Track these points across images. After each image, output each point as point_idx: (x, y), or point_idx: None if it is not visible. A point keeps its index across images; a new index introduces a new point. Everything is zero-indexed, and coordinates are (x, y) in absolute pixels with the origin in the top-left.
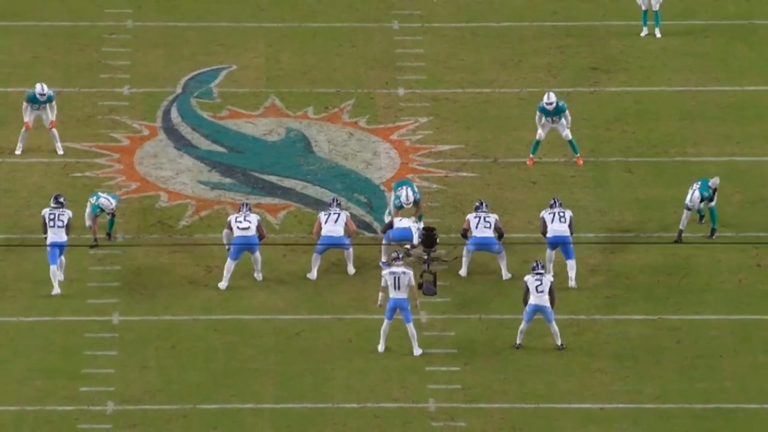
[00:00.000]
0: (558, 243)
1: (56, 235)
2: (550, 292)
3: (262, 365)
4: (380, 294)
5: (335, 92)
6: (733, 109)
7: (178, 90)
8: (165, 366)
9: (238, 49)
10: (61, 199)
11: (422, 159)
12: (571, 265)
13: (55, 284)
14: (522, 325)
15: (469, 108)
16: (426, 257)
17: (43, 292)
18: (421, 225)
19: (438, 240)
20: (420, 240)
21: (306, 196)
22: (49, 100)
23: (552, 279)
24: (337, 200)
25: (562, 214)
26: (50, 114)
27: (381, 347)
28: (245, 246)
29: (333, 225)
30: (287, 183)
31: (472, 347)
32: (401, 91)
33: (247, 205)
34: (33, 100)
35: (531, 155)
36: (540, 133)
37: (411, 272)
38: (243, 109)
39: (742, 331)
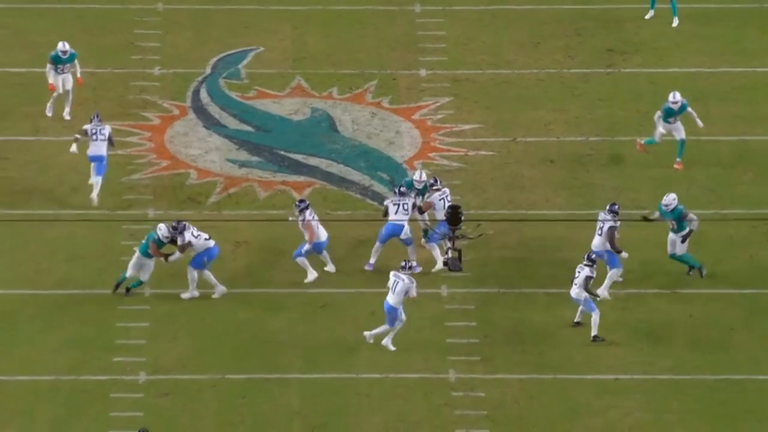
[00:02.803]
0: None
1: (98, 148)
2: (584, 286)
3: (288, 337)
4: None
5: (359, 73)
6: (744, 90)
7: (207, 71)
8: (195, 337)
9: (265, 31)
10: (99, 116)
11: (443, 138)
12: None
13: (96, 190)
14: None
15: (488, 88)
16: (451, 235)
17: (77, 266)
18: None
19: (463, 218)
20: (446, 218)
21: (330, 174)
22: (72, 58)
23: (587, 272)
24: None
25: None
26: (76, 73)
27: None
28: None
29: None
30: (312, 161)
31: (491, 320)
32: (423, 72)
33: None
34: (57, 60)
35: (641, 142)
36: (660, 132)
37: (413, 284)
38: (270, 89)
39: (752, 305)
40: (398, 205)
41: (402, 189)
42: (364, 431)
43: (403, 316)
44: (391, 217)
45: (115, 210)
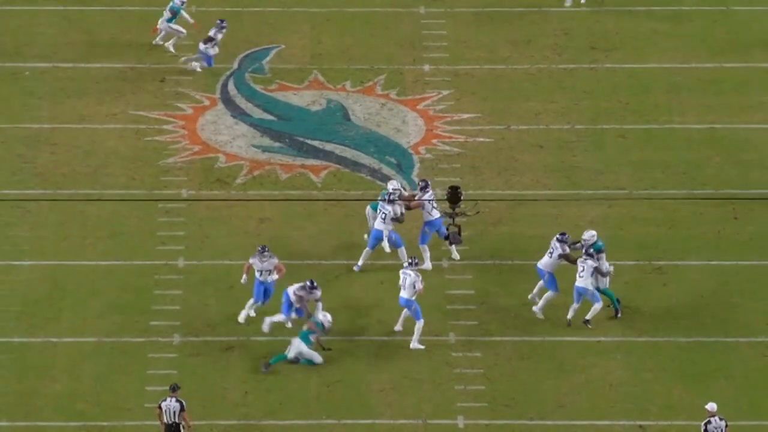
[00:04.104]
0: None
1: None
2: (592, 274)
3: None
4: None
5: (369, 68)
6: (713, 83)
7: (235, 66)
8: (223, 304)
9: (287, 31)
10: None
11: (444, 126)
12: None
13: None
14: (574, 305)
15: (485, 82)
16: (452, 212)
17: (118, 240)
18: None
19: (462, 197)
20: (446, 196)
21: (344, 158)
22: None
23: (594, 263)
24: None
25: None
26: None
27: (398, 327)
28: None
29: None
30: (328, 147)
31: (487, 289)
32: (427, 68)
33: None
34: (175, 10)
35: None
36: None
37: (419, 278)
38: (290, 82)
39: (720, 276)
40: (381, 210)
41: (391, 197)
42: (373, 387)
43: (420, 316)
44: (376, 224)
45: (152, 190)
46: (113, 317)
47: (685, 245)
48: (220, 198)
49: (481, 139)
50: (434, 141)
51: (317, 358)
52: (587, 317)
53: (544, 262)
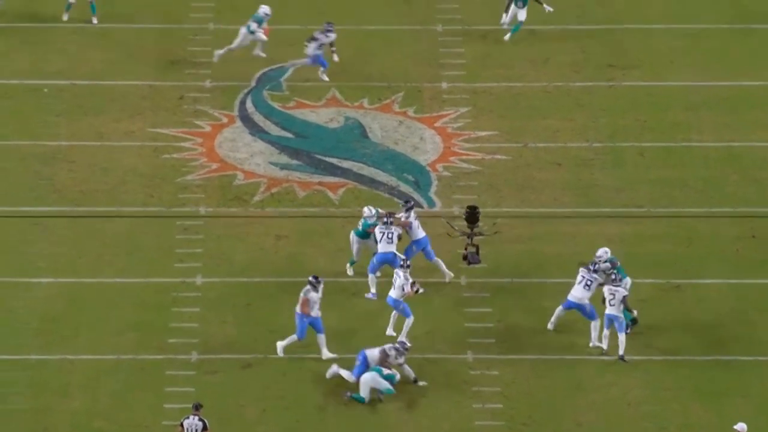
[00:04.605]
0: (574, 306)
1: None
2: (623, 303)
3: (324, 321)
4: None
5: (387, 86)
6: (731, 101)
7: (253, 84)
8: (241, 321)
9: (304, 48)
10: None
11: (462, 143)
12: (595, 325)
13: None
14: (604, 331)
15: (503, 99)
16: (470, 232)
17: (136, 257)
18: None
19: (480, 217)
20: (464, 216)
21: (362, 176)
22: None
23: (625, 293)
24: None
25: (590, 282)
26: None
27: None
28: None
29: (386, 244)
30: (345, 164)
31: (505, 306)
32: (444, 85)
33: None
34: (258, 20)
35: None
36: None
37: (407, 282)
38: (308, 100)
39: (738, 294)
40: (384, 233)
41: (390, 219)
42: (390, 405)
43: (410, 313)
44: (379, 246)
45: (170, 207)
46: (131, 334)
47: (703, 263)
48: (237, 215)
49: (499, 157)
50: (452, 158)
51: (389, 385)
52: (622, 353)
53: (581, 295)
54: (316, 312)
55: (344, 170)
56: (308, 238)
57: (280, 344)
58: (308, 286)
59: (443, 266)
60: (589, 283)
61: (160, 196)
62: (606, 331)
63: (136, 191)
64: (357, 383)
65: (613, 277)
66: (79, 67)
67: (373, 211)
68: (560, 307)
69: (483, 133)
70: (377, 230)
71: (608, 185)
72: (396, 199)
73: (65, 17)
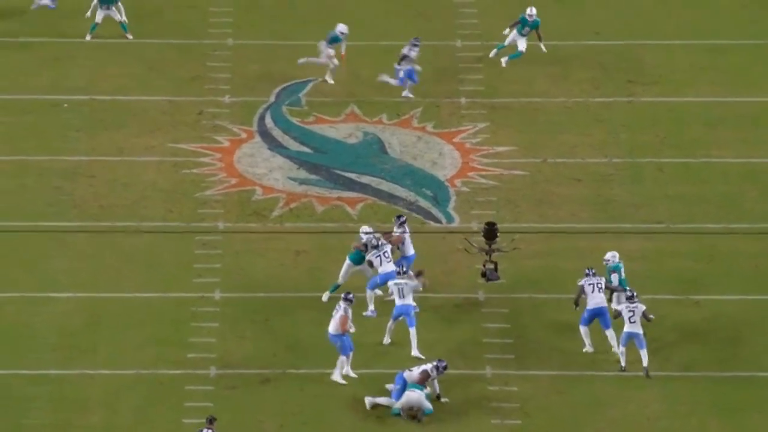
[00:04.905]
0: (597, 313)
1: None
2: (645, 316)
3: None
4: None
5: (406, 101)
6: (750, 117)
7: (272, 99)
8: (259, 336)
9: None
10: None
11: (480, 159)
12: (612, 335)
13: None
14: (621, 349)
15: (521, 115)
16: (488, 248)
17: (155, 272)
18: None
19: (498, 233)
20: (482, 233)
21: (380, 191)
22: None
23: (644, 307)
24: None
25: (600, 285)
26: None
27: (386, 340)
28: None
29: (331, 321)
30: (364, 179)
31: (524, 322)
32: (463, 100)
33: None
34: (335, 40)
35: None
36: (510, 39)
37: (413, 282)
38: (327, 115)
39: (757, 309)
40: (380, 256)
41: (380, 242)
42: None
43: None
44: (380, 269)
45: (189, 222)
46: (150, 349)
47: (722, 279)
48: (256, 230)
49: (518, 172)
50: (470, 174)
51: (430, 405)
52: (645, 363)
53: (600, 299)
54: (352, 328)
55: (363, 185)
56: (327, 254)
57: (337, 377)
58: (345, 304)
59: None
60: (599, 286)
61: (180, 211)
62: (622, 348)
63: (156, 206)
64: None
65: (629, 294)
66: (99, 82)
67: (370, 229)
68: (584, 328)
69: (502, 149)
70: (371, 255)
71: (627, 201)
72: (414, 214)
73: (88, 37)
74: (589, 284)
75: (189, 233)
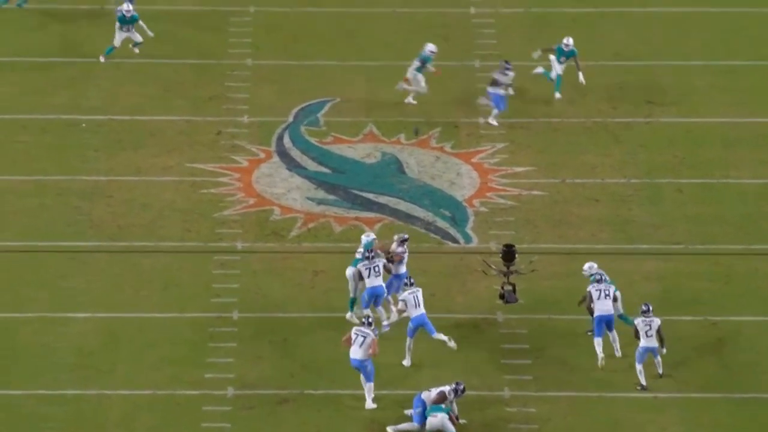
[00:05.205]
0: (605, 320)
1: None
2: (658, 332)
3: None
4: (394, 313)
5: (424, 121)
6: None
7: (290, 119)
8: (277, 357)
9: (342, 83)
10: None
11: (499, 179)
12: (614, 337)
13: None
14: (638, 366)
15: (540, 135)
16: (506, 270)
17: (173, 292)
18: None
19: (517, 255)
20: (501, 255)
21: (398, 211)
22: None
23: (660, 321)
24: (369, 319)
25: (607, 292)
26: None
27: (407, 362)
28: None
29: (357, 348)
30: (382, 199)
31: (542, 343)
32: (481, 120)
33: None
34: (426, 60)
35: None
36: (556, 69)
37: (421, 290)
38: (345, 135)
39: None
40: (370, 269)
41: (372, 253)
42: None
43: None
44: (367, 282)
45: (207, 242)
46: (167, 369)
47: (740, 300)
48: (274, 250)
49: (536, 193)
50: (489, 194)
51: (453, 428)
52: (660, 371)
53: (609, 306)
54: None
55: (381, 206)
56: (344, 274)
57: (371, 404)
58: (369, 329)
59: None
60: (607, 293)
61: (198, 231)
62: (640, 366)
63: (174, 226)
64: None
65: (644, 309)
66: (117, 102)
67: (372, 236)
68: (597, 339)
69: (520, 169)
70: (362, 266)
71: (646, 221)
72: (432, 235)
73: (102, 59)
74: (597, 290)
75: (207, 253)
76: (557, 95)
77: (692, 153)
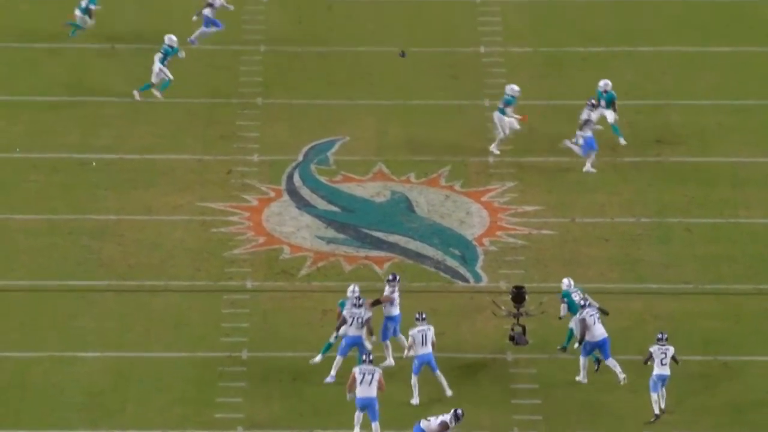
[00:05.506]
0: (598, 346)
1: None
2: (673, 358)
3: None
4: (407, 351)
5: (434, 160)
6: None
7: (300, 158)
8: (287, 396)
9: (352, 123)
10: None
11: (509, 218)
12: (614, 363)
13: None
14: (653, 396)
15: (550, 174)
16: (516, 312)
17: (183, 332)
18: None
19: (527, 297)
20: (510, 296)
21: (408, 250)
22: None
23: (674, 349)
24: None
25: (598, 315)
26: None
27: (415, 401)
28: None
29: (367, 386)
30: (392, 238)
31: (552, 383)
32: (491, 159)
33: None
34: (510, 102)
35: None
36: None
37: (432, 328)
38: (355, 174)
39: None
40: (354, 317)
41: (360, 301)
42: None
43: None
44: (349, 329)
45: (217, 281)
46: (177, 409)
47: (751, 340)
48: (284, 289)
49: (546, 232)
50: (498, 233)
51: None
52: (663, 405)
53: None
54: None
55: (391, 244)
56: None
57: None
58: (371, 366)
59: (390, 351)
60: (598, 316)
61: (208, 270)
62: (655, 395)
63: (184, 265)
64: None
65: (660, 336)
66: (128, 141)
67: (357, 291)
68: (582, 358)
69: (530, 208)
70: (346, 313)
71: (655, 261)
72: (441, 274)
73: (137, 96)
74: (590, 316)
75: (217, 292)
76: (622, 141)
77: (702, 192)
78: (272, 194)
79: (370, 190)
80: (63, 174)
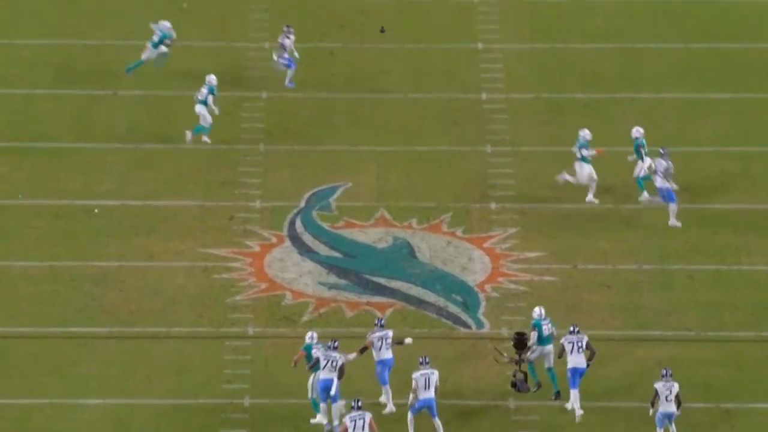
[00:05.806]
0: (579, 373)
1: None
2: (677, 398)
3: None
4: (411, 395)
5: (436, 206)
6: None
7: (302, 204)
8: None
9: (354, 169)
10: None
11: (511, 264)
12: (576, 396)
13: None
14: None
15: (552, 220)
16: (518, 358)
17: (184, 378)
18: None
19: (529, 344)
20: (512, 343)
21: (410, 296)
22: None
23: (678, 386)
24: (358, 403)
25: (580, 344)
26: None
27: None
28: None
29: (329, 372)
30: (394, 284)
31: (554, 429)
32: (493, 206)
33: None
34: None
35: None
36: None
37: (437, 373)
38: (357, 220)
39: None
40: (328, 360)
41: (335, 344)
42: None
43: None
44: (321, 373)
45: (219, 328)
46: None
47: (753, 388)
48: (286, 335)
49: (548, 278)
50: (500, 279)
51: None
52: None
53: (581, 360)
54: None
55: (392, 290)
56: (356, 359)
57: None
58: (361, 412)
59: (390, 396)
60: (579, 345)
61: (210, 316)
62: (660, 431)
63: (186, 312)
64: None
65: (664, 373)
66: (130, 187)
67: (315, 339)
68: (574, 391)
69: (532, 254)
70: (321, 356)
71: (657, 308)
72: (443, 320)
73: (189, 138)
74: (569, 343)
75: (218, 339)
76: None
77: (704, 239)
78: (274, 240)
79: (372, 235)
80: (65, 220)
